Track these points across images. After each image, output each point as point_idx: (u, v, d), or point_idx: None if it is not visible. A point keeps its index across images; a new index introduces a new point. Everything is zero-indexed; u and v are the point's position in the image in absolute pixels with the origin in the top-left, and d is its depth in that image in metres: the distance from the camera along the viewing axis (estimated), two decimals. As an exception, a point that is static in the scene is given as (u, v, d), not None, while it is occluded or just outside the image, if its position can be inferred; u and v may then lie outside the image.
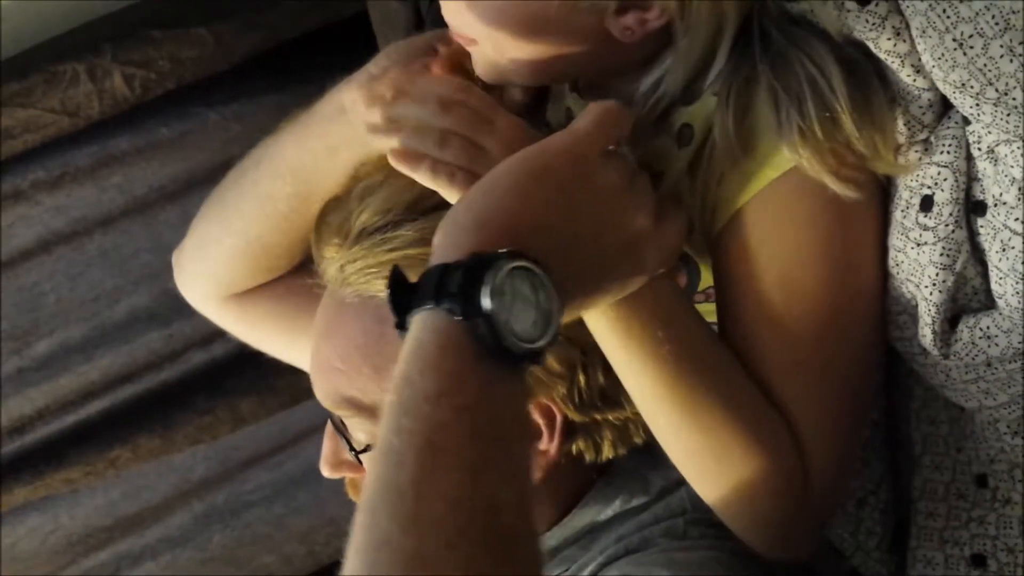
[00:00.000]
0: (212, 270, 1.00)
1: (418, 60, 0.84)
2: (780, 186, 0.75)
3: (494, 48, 0.78)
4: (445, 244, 0.63)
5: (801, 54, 0.74)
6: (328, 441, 0.85)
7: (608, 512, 0.84)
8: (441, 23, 0.83)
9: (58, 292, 1.22)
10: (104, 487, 1.28)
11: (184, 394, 1.27)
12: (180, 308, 1.29)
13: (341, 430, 0.83)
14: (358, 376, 0.79)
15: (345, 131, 0.85)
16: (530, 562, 0.57)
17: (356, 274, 0.79)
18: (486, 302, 0.58)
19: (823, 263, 0.75)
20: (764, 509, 0.77)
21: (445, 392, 0.57)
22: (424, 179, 0.74)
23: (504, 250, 0.61)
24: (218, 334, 1.31)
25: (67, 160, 1.19)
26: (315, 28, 1.22)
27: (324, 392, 0.83)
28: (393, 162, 0.75)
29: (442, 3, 0.79)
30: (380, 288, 0.77)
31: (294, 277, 0.98)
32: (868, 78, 0.74)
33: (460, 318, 0.58)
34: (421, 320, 0.60)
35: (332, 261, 0.81)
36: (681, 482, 0.82)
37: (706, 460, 0.77)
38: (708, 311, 0.82)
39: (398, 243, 0.77)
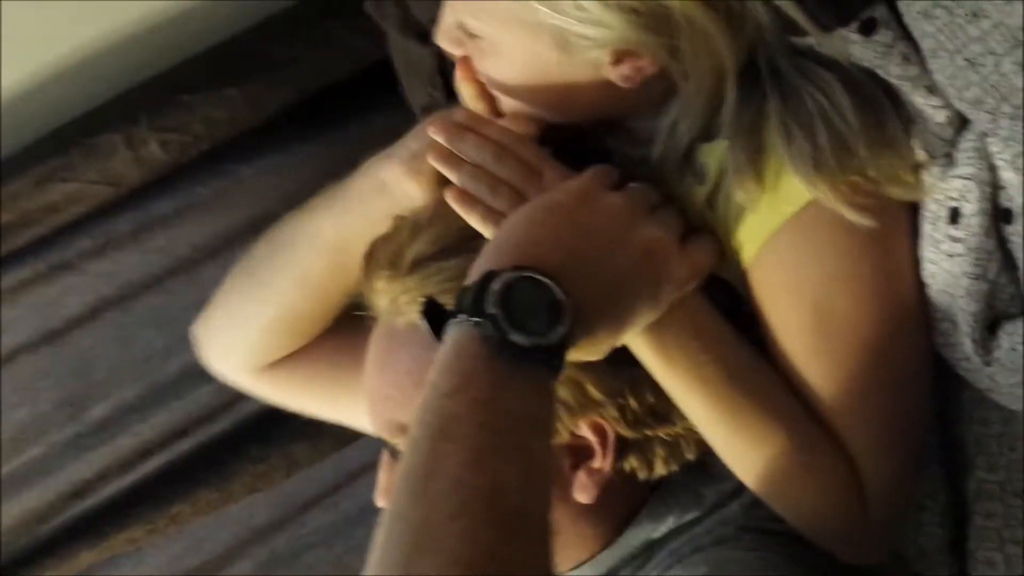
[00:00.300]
0: (245, 344, 1.02)
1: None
2: (800, 220, 0.75)
3: (502, 95, 0.82)
4: (471, 273, 0.71)
5: (810, 85, 0.74)
6: (384, 473, 0.87)
7: (662, 529, 0.85)
8: None
9: (110, 356, 1.25)
10: (166, 543, 1.30)
11: (238, 444, 1.29)
12: (230, 361, 1.32)
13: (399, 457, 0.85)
14: (411, 401, 0.80)
15: (387, 206, 0.88)
16: (536, 541, 0.62)
17: (409, 303, 0.81)
18: (490, 306, 0.65)
19: (855, 289, 0.76)
20: (828, 523, 0.80)
21: (460, 388, 0.64)
22: (474, 221, 0.79)
23: (510, 265, 0.68)
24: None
25: (110, 228, 1.22)
26: (340, 79, 1.25)
27: (380, 422, 0.85)
28: (450, 199, 0.80)
29: (459, 59, 0.83)
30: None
31: (325, 337, 1.02)
32: (880, 103, 0.75)
33: (471, 323, 0.66)
34: (447, 334, 0.68)
35: (383, 293, 0.84)
36: (734, 495, 0.84)
37: (765, 478, 0.79)
38: None
39: (449, 273, 0.80)
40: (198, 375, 1.29)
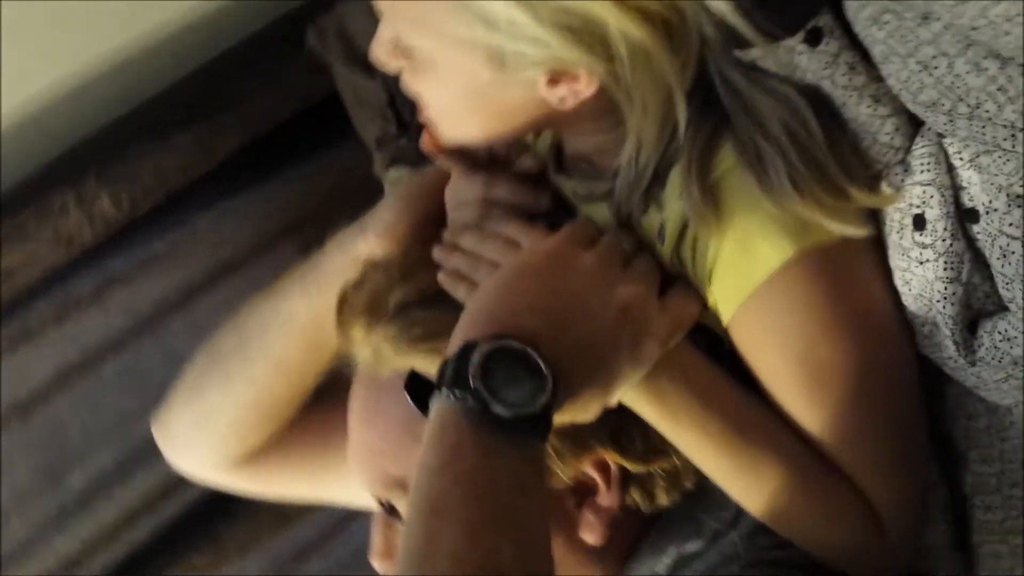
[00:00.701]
0: (216, 438, 0.99)
1: (426, 201, 0.87)
2: (773, 284, 0.74)
3: (437, 117, 0.80)
4: (450, 344, 0.70)
5: (768, 97, 0.73)
6: (378, 532, 0.85)
7: (665, 561, 0.83)
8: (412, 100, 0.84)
9: (82, 422, 1.22)
10: (164, 611, 1.28)
11: (225, 502, 1.26)
12: (206, 414, 1.30)
13: (394, 513, 0.83)
14: (405, 453, 0.79)
15: None
16: None
17: (393, 352, 0.79)
18: (471, 379, 0.65)
19: (836, 336, 0.75)
20: (848, 553, 0.79)
21: (447, 463, 0.65)
22: (461, 297, 0.78)
23: (487, 335, 0.68)
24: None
25: (68, 290, 1.19)
26: (289, 117, 1.22)
27: (371, 479, 0.83)
28: (441, 281, 0.80)
29: (397, 75, 0.81)
30: (414, 361, 0.78)
31: (296, 420, 0.99)
32: (833, 113, 0.73)
33: (453, 397, 0.66)
34: (432, 408, 0.68)
35: (363, 343, 0.81)
36: (733, 523, 0.83)
37: (780, 516, 0.78)
38: None
39: (432, 325, 0.78)
40: (175, 433, 1.27)
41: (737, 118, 0.73)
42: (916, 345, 0.79)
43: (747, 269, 0.74)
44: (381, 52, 0.80)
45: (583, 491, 0.81)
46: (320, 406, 1.00)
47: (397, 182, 1.13)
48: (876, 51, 0.67)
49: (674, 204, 0.77)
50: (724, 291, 0.76)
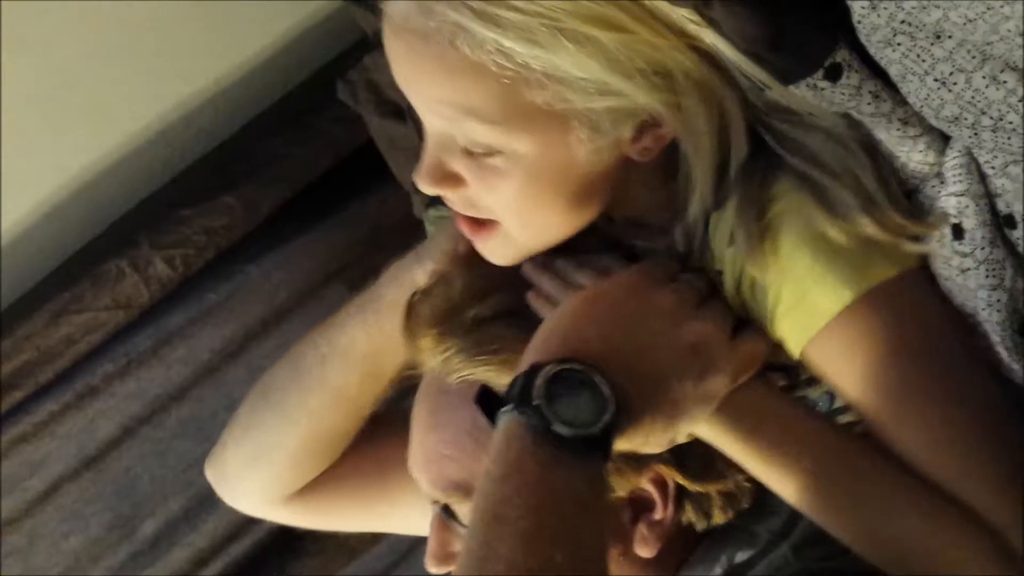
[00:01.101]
0: (274, 474, 0.99)
1: None
2: (838, 323, 0.74)
3: (520, 222, 0.78)
4: (522, 361, 0.73)
5: (814, 135, 0.73)
6: (435, 535, 0.86)
7: (717, 571, 0.84)
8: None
9: (150, 471, 1.26)
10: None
11: (292, 540, 1.29)
12: (267, 457, 1.33)
13: (453, 517, 0.84)
14: (469, 459, 0.81)
15: None
16: None
17: (464, 364, 0.81)
18: (535, 397, 0.68)
19: (908, 361, 0.74)
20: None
21: (509, 474, 0.67)
22: (545, 315, 0.79)
23: (555, 357, 0.70)
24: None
25: (129, 348, 1.23)
26: (328, 168, 1.27)
27: (432, 482, 0.85)
28: (531, 299, 0.82)
29: (449, 197, 0.79)
30: (484, 374, 0.81)
31: (348, 451, 1.00)
32: (868, 137, 0.74)
33: (518, 413, 0.68)
34: (499, 422, 0.70)
35: (432, 352, 0.83)
36: (784, 533, 0.83)
37: (887, 548, 0.75)
38: None
39: (507, 342, 0.80)
40: (238, 476, 1.31)
41: (790, 158, 0.74)
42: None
43: (807, 315, 0.74)
44: (433, 175, 0.76)
45: (639, 506, 0.82)
46: (373, 436, 1.01)
47: (438, 220, 1.16)
48: (893, 71, 0.68)
49: (723, 250, 0.78)
50: (790, 329, 0.76)
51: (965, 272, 0.73)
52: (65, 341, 1.21)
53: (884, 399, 0.75)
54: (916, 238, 0.75)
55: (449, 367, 0.83)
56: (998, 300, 0.73)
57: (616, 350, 0.71)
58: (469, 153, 0.74)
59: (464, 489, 0.82)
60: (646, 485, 0.82)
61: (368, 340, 0.92)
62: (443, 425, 0.84)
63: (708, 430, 0.77)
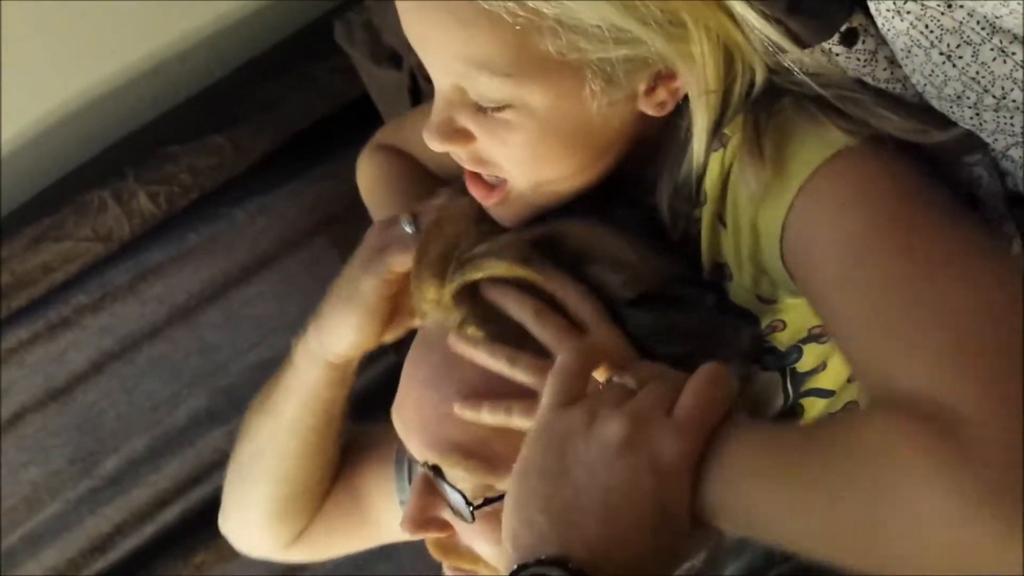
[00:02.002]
0: (266, 534, 1.01)
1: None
2: (816, 182, 0.67)
3: (529, 179, 0.75)
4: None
5: (827, 72, 0.69)
6: (417, 498, 0.81)
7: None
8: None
9: (117, 408, 1.22)
10: (192, 592, 1.29)
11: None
12: (237, 403, 1.29)
13: (442, 478, 0.79)
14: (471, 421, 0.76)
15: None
16: None
17: (471, 314, 0.76)
18: None
19: (892, 232, 0.64)
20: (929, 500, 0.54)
21: None
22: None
23: (521, 562, 0.62)
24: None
25: (106, 281, 1.20)
26: (322, 117, 1.25)
27: (429, 443, 0.78)
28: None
29: (458, 154, 0.75)
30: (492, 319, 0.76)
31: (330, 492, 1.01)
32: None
33: None
34: None
35: (437, 302, 0.78)
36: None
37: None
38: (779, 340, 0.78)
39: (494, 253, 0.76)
40: (206, 420, 1.28)
41: (802, 90, 0.69)
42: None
43: (786, 180, 0.68)
44: (442, 132, 0.73)
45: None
46: (341, 468, 1.02)
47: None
48: (899, 44, 0.65)
49: (710, 191, 0.73)
50: (769, 214, 0.69)
51: None
52: (41, 268, 1.18)
53: (862, 277, 0.63)
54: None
55: (449, 311, 0.78)
56: None
57: (563, 521, 0.63)
58: (480, 109, 0.71)
59: (463, 451, 0.76)
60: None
61: (328, 354, 0.90)
62: (448, 383, 0.77)
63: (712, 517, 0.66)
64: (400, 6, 0.71)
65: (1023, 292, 0.59)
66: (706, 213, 0.75)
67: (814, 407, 0.81)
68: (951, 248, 0.62)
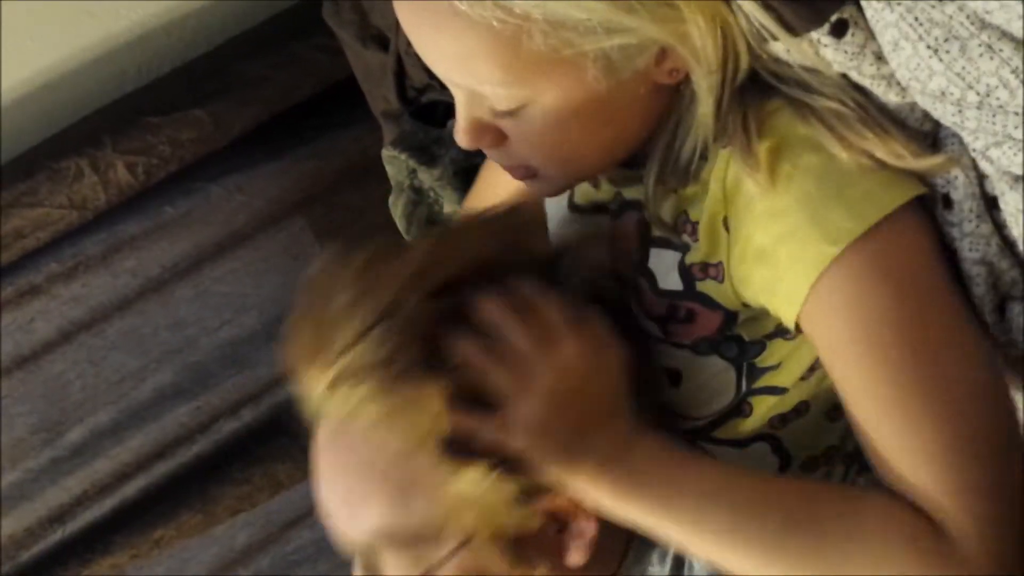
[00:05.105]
0: None
1: None
2: (851, 257, 0.67)
3: (558, 163, 0.74)
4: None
5: (813, 75, 0.68)
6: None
7: (655, 567, 0.78)
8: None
9: (83, 379, 1.19)
10: (150, 567, 1.26)
11: (219, 465, 1.23)
12: (205, 380, 1.27)
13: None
14: (386, 501, 0.71)
15: None
16: None
17: (351, 388, 0.70)
18: None
19: (910, 327, 0.67)
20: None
21: None
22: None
23: None
24: (246, 401, 1.30)
25: (78, 251, 1.16)
26: (306, 96, 1.21)
27: (352, 534, 0.74)
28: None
29: (490, 152, 0.75)
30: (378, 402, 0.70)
31: None
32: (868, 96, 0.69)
33: None
34: None
35: (319, 385, 0.71)
36: None
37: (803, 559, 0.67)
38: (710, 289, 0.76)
39: (381, 340, 0.70)
40: (173, 396, 1.25)
41: (787, 89, 0.69)
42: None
43: (811, 249, 0.67)
44: (472, 133, 0.72)
45: (562, 517, 0.74)
46: None
47: (390, 162, 1.10)
48: (887, 38, 0.62)
49: (715, 187, 0.72)
50: (788, 265, 0.68)
51: (952, 243, 0.69)
52: (13, 234, 1.14)
53: (877, 350, 0.67)
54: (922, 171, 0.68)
55: (338, 400, 0.70)
56: (978, 275, 0.69)
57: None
58: (498, 113, 0.71)
59: (385, 535, 0.72)
60: (558, 501, 0.73)
61: None
62: (349, 471, 0.72)
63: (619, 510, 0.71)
64: (402, 24, 0.70)
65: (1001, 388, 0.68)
66: (706, 211, 0.73)
67: (763, 404, 0.79)
68: (954, 347, 0.68)
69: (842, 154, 0.67)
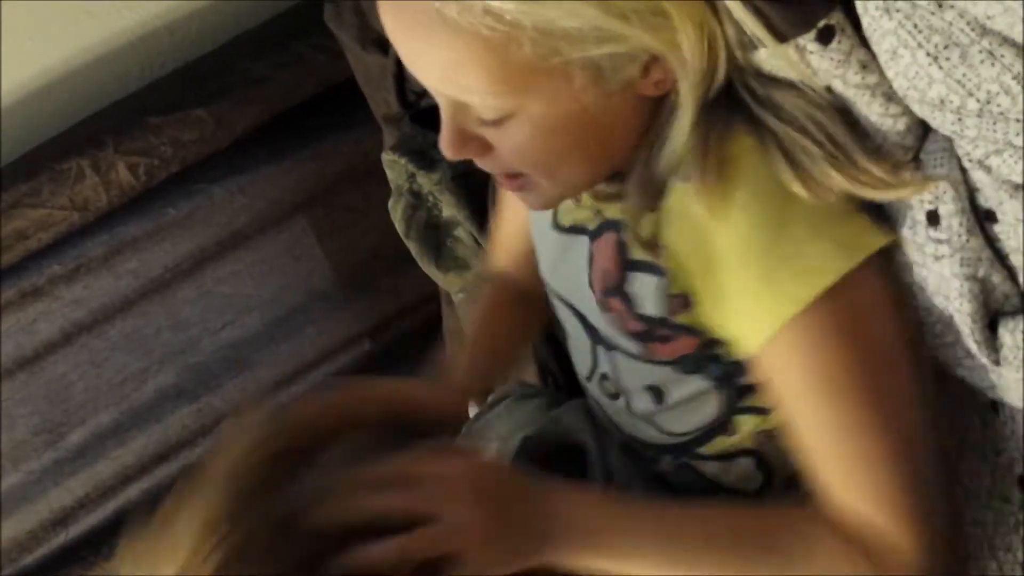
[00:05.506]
0: None
1: None
2: (810, 317, 0.68)
3: (546, 173, 0.73)
4: None
5: (787, 93, 0.67)
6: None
7: None
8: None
9: (85, 380, 1.19)
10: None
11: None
12: (206, 381, 1.27)
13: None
14: None
15: None
16: None
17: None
18: None
19: (856, 375, 0.69)
20: None
21: None
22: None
23: None
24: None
25: (80, 252, 1.16)
26: (308, 97, 1.20)
27: None
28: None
29: (479, 161, 0.74)
30: None
31: None
32: (846, 111, 0.69)
33: None
34: None
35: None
36: None
37: None
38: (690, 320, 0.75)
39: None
40: (175, 397, 1.24)
41: (756, 108, 0.68)
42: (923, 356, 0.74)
43: (779, 299, 0.68)
44: (455, 143, 0.71)
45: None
46: None
47: (390, 166, 1.09)
48: (885, 46, 0.60)
49: (679, 223, 0.71)
50: (749, 318, 0.70)
51: (940, 260, 0.67)
52: (15, 235, 1.14)
53: (829, 393, 0.70)
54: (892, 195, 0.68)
55: None
56: (970, 291, 0.67)
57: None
58: (484, 122, 0.70)
59: None
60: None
61: None
62: None
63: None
64: (388, 32, 0.69)
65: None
66: (671, 236, 0.72)
67: (747, 423, 0.79)
68: (900, 397, 0.71)
69: (803, 193, 0.67)
